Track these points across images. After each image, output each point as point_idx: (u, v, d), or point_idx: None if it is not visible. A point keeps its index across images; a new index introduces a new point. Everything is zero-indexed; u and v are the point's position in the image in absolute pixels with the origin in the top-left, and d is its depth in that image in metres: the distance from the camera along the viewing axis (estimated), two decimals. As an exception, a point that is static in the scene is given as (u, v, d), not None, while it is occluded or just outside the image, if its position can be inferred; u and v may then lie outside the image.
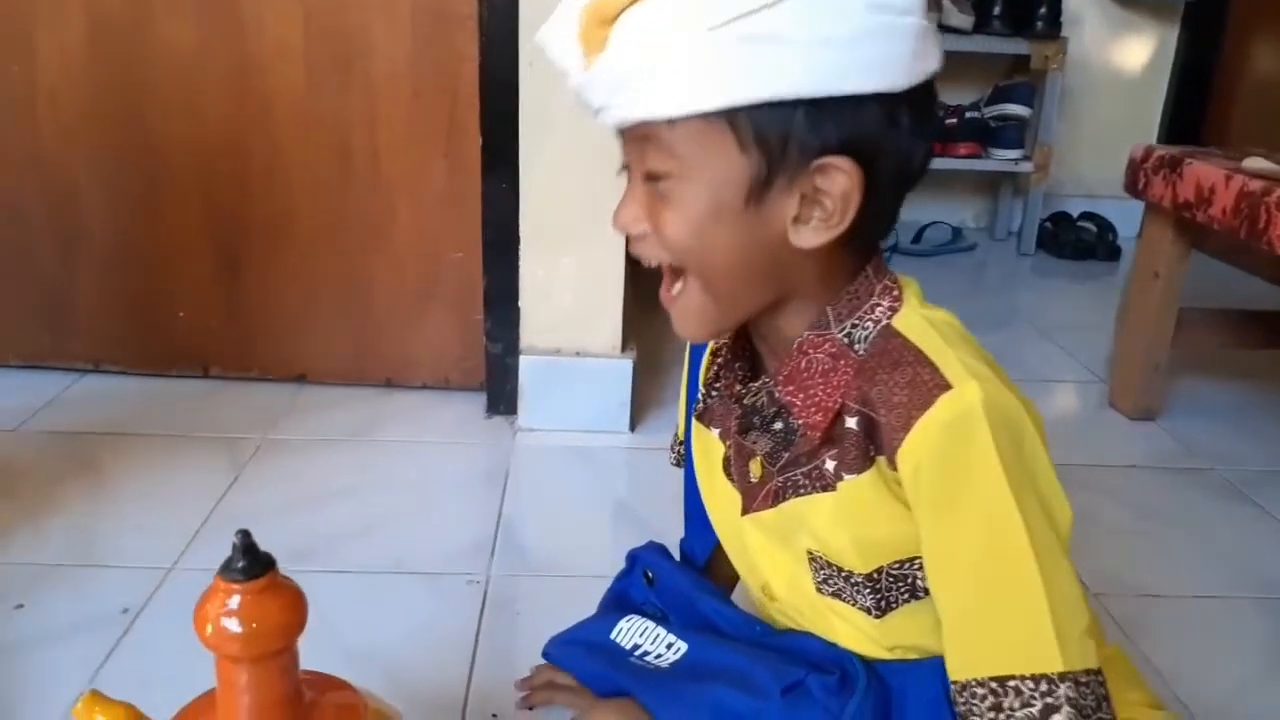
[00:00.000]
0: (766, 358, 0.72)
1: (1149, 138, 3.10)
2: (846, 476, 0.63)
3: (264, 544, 0.64)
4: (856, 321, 0.65)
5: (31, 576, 1.17)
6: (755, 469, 0.72)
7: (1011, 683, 0.58)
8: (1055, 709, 0.57)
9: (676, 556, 0.94)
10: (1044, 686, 0.57)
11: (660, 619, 0.87)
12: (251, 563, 0.62)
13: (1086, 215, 3.06)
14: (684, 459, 0.92)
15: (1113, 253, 2.99)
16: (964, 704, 0.60)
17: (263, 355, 1.74)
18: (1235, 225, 1.45)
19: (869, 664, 0.69)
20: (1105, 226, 3.01)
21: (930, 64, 0.60)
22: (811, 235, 0.62)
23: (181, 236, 1.67)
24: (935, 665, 0.66)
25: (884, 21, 0.57)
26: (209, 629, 0.62)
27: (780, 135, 0.59)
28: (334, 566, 1.22)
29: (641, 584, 0.92)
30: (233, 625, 0.62)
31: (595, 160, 1.53)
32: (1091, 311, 2.57)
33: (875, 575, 0.65)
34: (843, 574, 0.67)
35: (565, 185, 1.54)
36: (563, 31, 0.62)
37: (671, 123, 0.59)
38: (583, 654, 0.89)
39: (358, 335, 1.73)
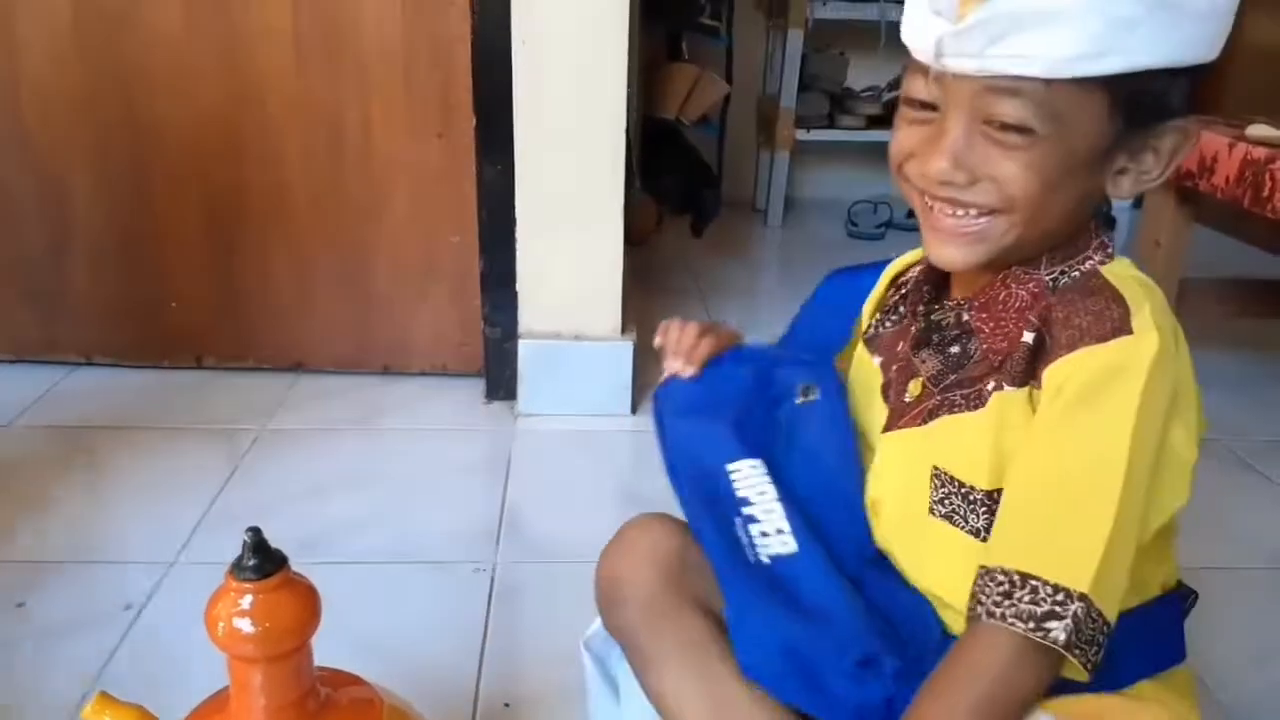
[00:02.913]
0: (957, 283, 0.72)
1: (1142, 107, 3.08)
2: (1006, 388, 0.64)
3: (265, 536, 0.62)
4: (1066, 269, 0.66)
5: (32, 574, 1.15)
6: (914, 388, 0.71)
7: (1033, 581, 0.58)
8: (1057, 617, 0.57)
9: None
10: (1060, 596, 0.57)
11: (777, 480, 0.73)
12: (263, 561, 0.61)
13: (1080, 186, 3.05)
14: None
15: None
16: (979, 585, 0.61)
17: (258, 344, 1.72)
18: (1238, 194, 1.44)
19: (939, 649, 0.66)
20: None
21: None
22: (1130, 187, 0.64)
23: (172, 225, 1.65)
24: None
25: None
26: (220, 629, 0.61)
27: (1152, 101, 0.61)
28: (338, 557, 1.20)
29: (794, 390, 0.77)
30: (245, 626, 0.60)
31: (592, 139, 1.52)
32: (1088, 283, 2.56)
33: (994, 494, 0.65)
34: (963, 490, 0.66)
35: (562, 165, 1.52)
36: None
37: (1050, 82, 0.59)
38: (690, 472, 0.75)
39: (354, 322, 1.71)
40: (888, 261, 0.81)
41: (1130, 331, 0.60)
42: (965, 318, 0.69)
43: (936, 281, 0.74)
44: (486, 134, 1.53)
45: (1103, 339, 0.60)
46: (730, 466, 0.74)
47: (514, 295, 1.59)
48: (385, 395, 1.67)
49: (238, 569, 0.61)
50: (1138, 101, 0.60)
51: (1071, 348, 0.60)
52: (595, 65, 1.48)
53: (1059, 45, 0.58)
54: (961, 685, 0.60)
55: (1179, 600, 0.73)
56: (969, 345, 0.68)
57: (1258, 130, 1.46)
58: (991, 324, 0.67)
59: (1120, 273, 0.65)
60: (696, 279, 2.40)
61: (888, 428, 0.72)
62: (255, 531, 0.61)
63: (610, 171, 1.53)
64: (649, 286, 2.18)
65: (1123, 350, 0.59)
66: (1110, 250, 0.67)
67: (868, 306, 0.80)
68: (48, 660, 1.01)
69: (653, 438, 0.78)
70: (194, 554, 1.21)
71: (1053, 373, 0.61)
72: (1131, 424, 0.58)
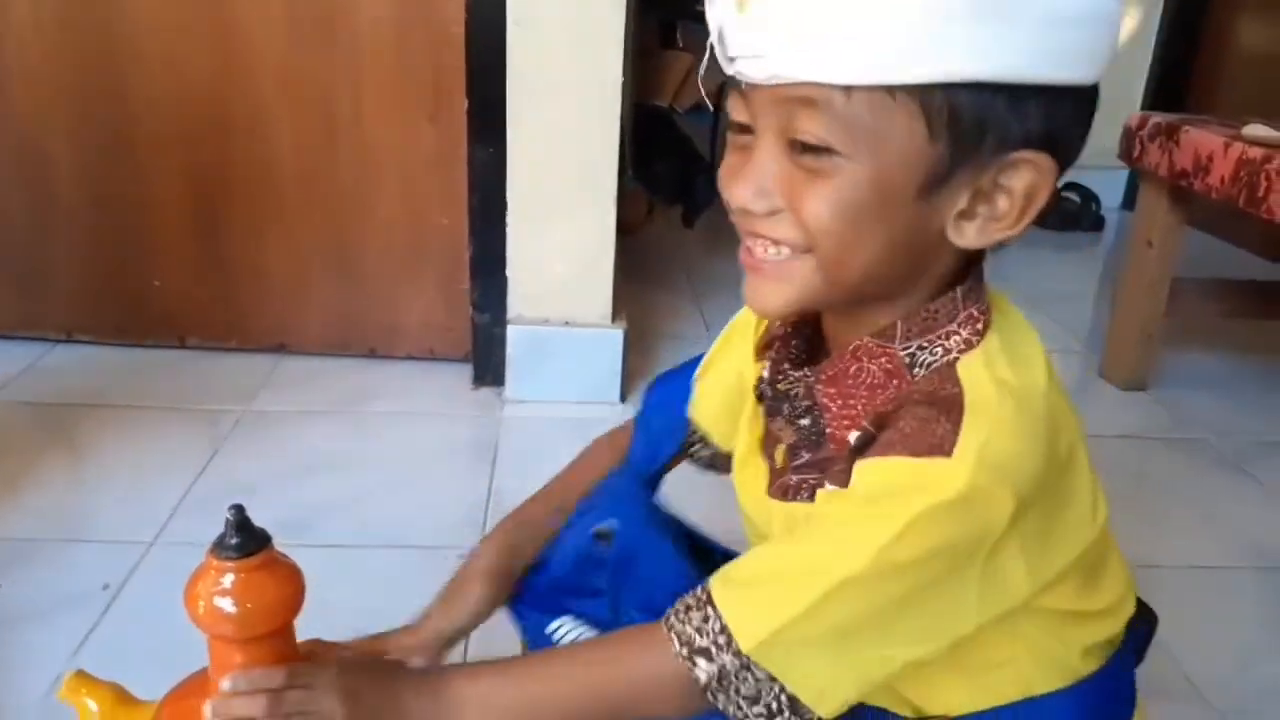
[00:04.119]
0: (831, 348, 0.64)
1: (1133, 107, 3.07)
2: (829, 487, 0.57)
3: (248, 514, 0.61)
4: (925, 344, 0.57)
5: (8, 553, 1.13)
6: (779, 456, 0.65)
7: (714, 611, 0.55)
8: (708, 656, 0.55)
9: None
10: (721, 639, 0.54)
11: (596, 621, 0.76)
12: (246, 539, 0.59)
13: (1070, 185, 3.04)
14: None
15: (1097, 223, 2.98)
16: (690, 591, 0.58)
17: (242, 325, 1.70)
18: (1234, 193, 1.44)
19: None
20: (1089, 196, 3.00)
21: (1112, 55, 0.53)
22: (976, 234, 0.54)
23: (158, 204, 1.62)
24: None
25: (1105, 5, 0.51)
26: (201, 608, 0.59)
27: (978, 122, 0.50)
28: (321, 541, 1.19)
29: (590, 537, 0.78)
30: (226, 605, 0.58)
31: (586, 125, 1.50)
32: (1076, 282, 2.57)
33: None
34: None
35: (554, 150, 1.50)
36: None
37: (849, 90, 0.49)
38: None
39: (340, 304, 1.69)
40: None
41: (948, 454, 0.51)
42: (815, 391, 0.62)
43: (809, 339, 0.65)
44: (479, 118, 1.51)
45: (915, 453, 0.52)
46: (550, 629, 0.78)
47: (503, 280, 1.57)
48: (371, 378, 1.65)
49: (219, 547, 0.59)
50: (958, 122, 0.50)
51: (883, 452, 0.53)
52: (591, 51, 1.46)
53: (857, 44, 0.48)
54: (594, 667, 0.59)
55: (1116, 669, 0.65)
56: (820, 420, 0.62)
57: (1254, 130, 1.46)
58: (839, 400, 0.60)
59: (978, 375, 0.55)
60: (688, 271, 2.39)
61: (768, 489, 0.67)
62: (238, 509, 0.60)
63: (603, 158, 1.52)
64: (639, 277, 2.17)
65: (925, 472, 0.52)
66: (981, 325, 0.57)
67: (751, 339, 0.72)
68: (24, 640, 1.00)
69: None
70: (173, 534, 1.19)
71: (862, 470, 0.54)
72: (880, 545, 0.51)
